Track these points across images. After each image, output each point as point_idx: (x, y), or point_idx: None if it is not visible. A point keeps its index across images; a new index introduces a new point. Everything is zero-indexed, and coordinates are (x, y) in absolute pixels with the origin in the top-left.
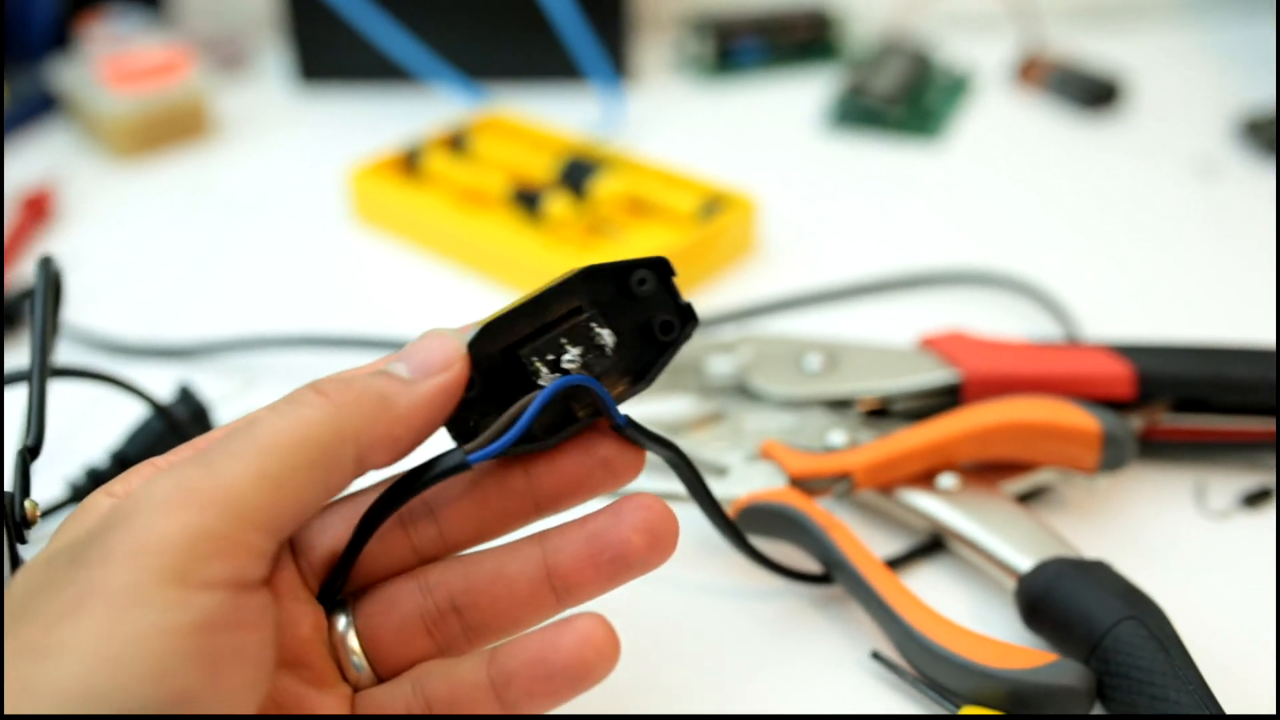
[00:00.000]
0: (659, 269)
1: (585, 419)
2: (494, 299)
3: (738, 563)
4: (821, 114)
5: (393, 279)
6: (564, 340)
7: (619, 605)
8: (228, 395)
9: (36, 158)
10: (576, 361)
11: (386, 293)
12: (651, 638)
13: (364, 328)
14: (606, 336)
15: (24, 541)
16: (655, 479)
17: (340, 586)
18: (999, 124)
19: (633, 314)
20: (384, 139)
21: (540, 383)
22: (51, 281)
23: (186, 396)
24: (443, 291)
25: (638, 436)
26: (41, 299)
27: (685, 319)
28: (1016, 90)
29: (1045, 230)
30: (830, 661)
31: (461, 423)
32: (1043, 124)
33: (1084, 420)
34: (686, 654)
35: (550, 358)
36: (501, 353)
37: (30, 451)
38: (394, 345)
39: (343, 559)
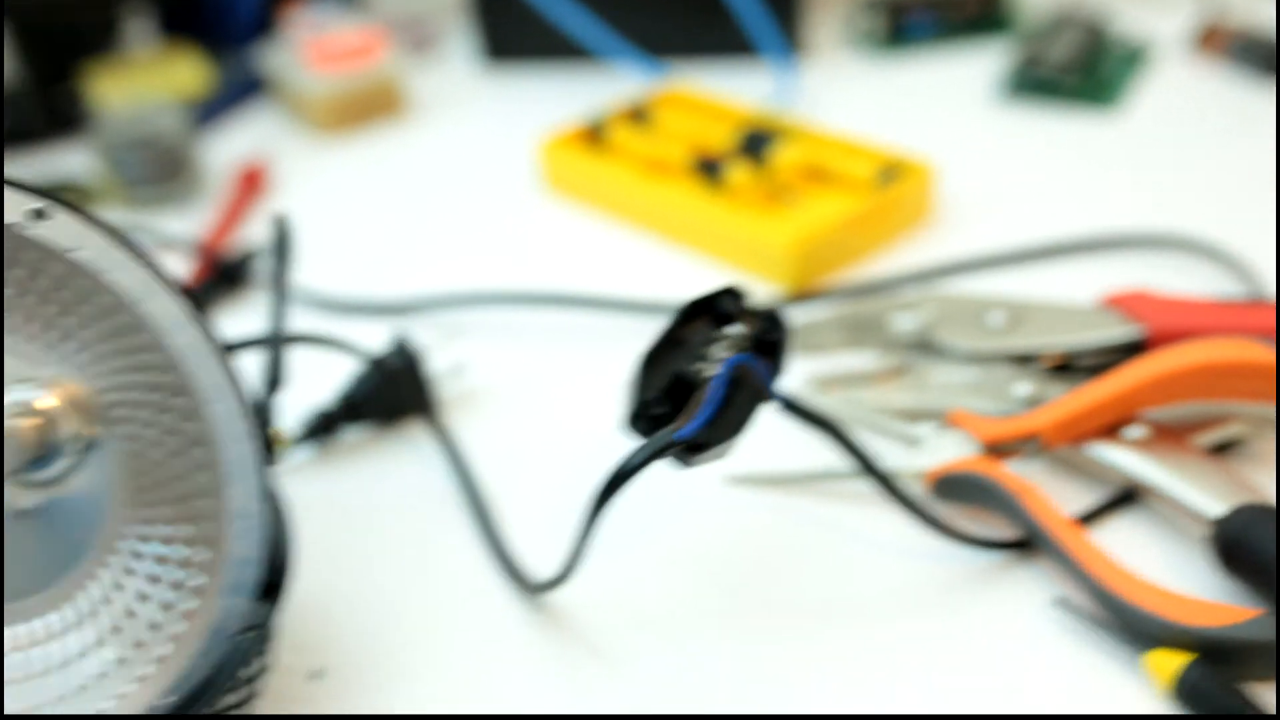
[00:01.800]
0: (736, 294)
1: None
2: (676, 261)
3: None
4: (994, 86)
5: (581, 242)
6: (706, 350)
7: (817, 567)
8: (435, 347)
9: (246, 135)
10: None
11: (576, 255)
12: (847, 590)
13: (557, 286)
14: (733, 344)
15: (273, 464)
16: (826, 455)
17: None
18: (1178, 92)
19: (741, 325)
20: (567, 114)
21: (707, 376)
22: (285, 236)
23: (400, 349)
24: (628, 254)
25: (799, 414)
26: (279, 250)
27: (774, 323)
28: (1196, 59)
29: (1227, 196)
30: (1015, 612)
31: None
32: (1224, 92)
33: (1269, 356)
34: (879, 606)
35: (706, 364)
36: (672, 376)
37: (271, 386)
38: (586, 303)
39: (579, 542)
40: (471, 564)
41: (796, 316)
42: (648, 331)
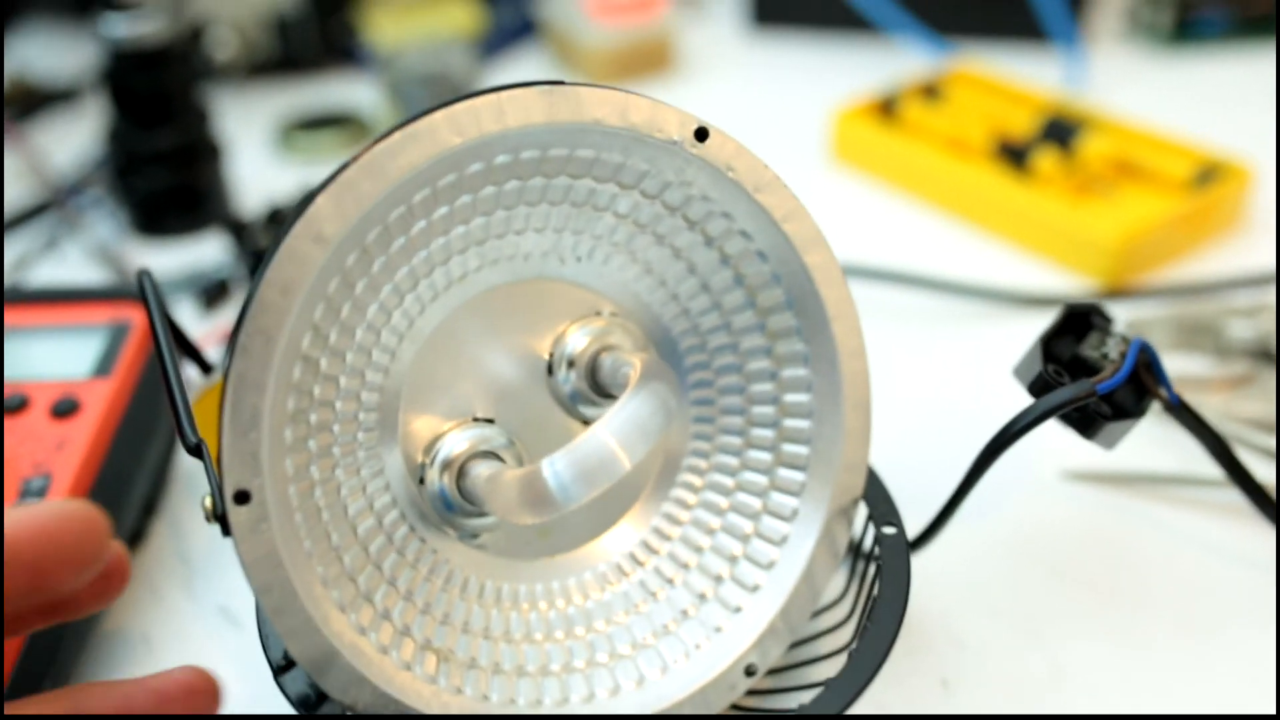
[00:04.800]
0: (1104, 314)
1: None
2: (976, 244)
3: None
4: None
5: (876, 217)
6: (1097, 339)
7: (1170, 574)
8: None
9: (515, 77)
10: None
11: (872, 229)
12: (1214, 612)
13: (864, 259)
14: (1123, 343)
15: None
16: (1195, 462)
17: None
18: None
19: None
20: (842, 85)
21: (1110, 360)
22: None
23: None
24: (924, 232)
25: (1185, 418)
26: None
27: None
28: None
29: None
30: None
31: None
32: None
33: None
34: (1249, 626)
35: (1100, 350)
36: (1072, 355)
37: None
38: (880, 275)
39: (949, 502)
40: None
41: (1119, 314)
42: (971, 314)
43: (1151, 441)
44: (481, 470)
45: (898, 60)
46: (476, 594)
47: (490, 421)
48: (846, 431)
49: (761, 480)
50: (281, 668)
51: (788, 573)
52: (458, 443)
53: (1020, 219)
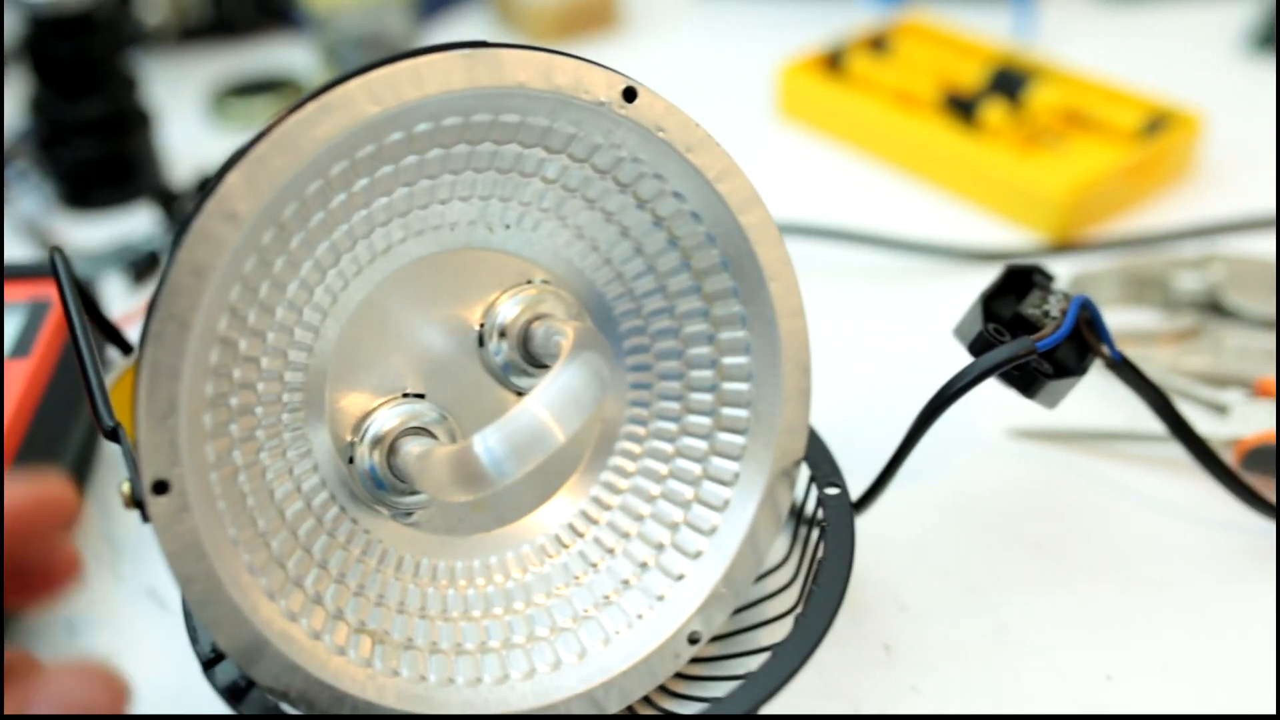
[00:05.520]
0: (1046, 273)
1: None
2: (924, 199)
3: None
4: (1242, 36)
5: (822, 173)
6: (1039, 302)
7: (1115, 531)
8: None
9: (454, 37)
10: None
11: (818, 185)
12: (1146, 555)
13: (805, 216)
14: (1064, 300)
15: None
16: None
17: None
18: None
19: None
20: (788, 40)
21: (1051, 317)
22: None
23: None
24: (872, 187)
25: (1127, 375)
26: None
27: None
28: None
29: None
30: None
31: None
32: None
33: None
34: (1182, 573)
35: (1042, 309)
36: (1013, 314)
37: None
38: (825, 233)
39: (890, 463)
40: None
41: (1067, 268)
42: (913, 270)
43: (1099, 397)
44: (412, 448)
45: (848, 15)
46: (411, 573)
47: (421, 396)
48: (786, 393)
49: (701, 445)
50: (210, 660)
51: (730, 537)
52: (388, 419)
53: (968, 173)
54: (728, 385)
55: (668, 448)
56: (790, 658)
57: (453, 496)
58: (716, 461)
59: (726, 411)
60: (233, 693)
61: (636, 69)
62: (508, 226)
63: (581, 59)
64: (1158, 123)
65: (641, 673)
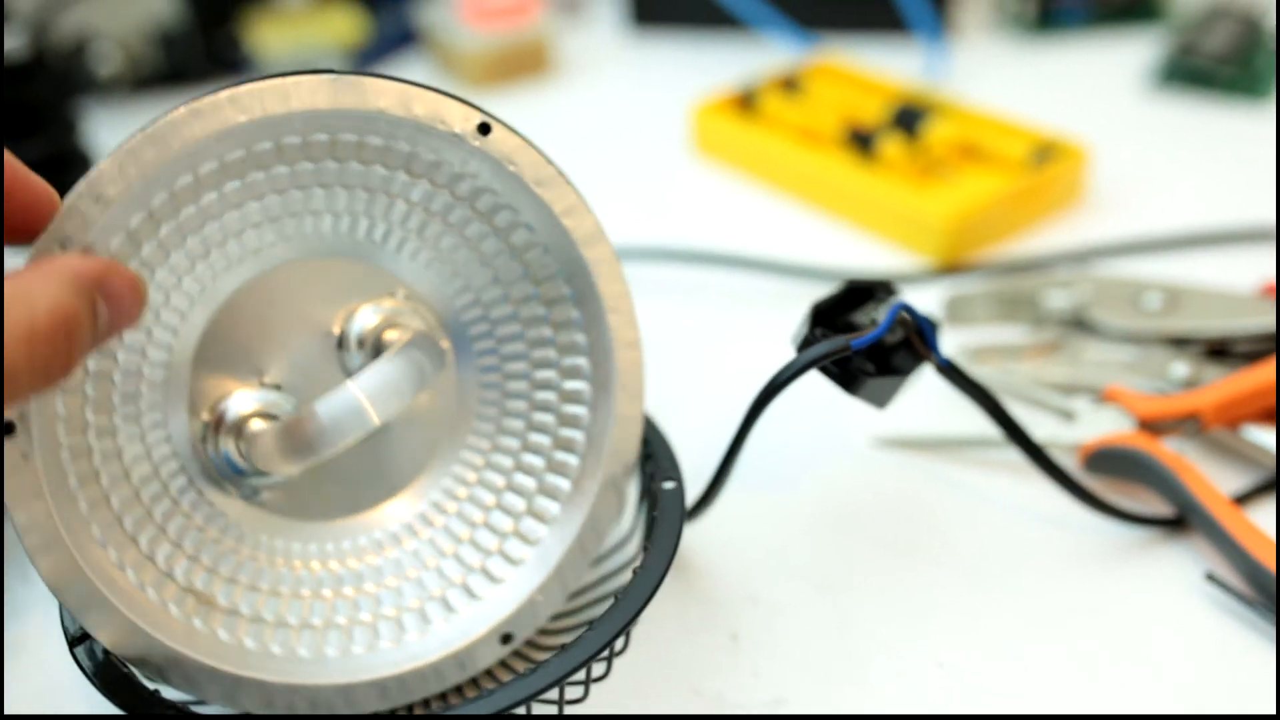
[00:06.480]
0: (890, 287)
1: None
2: (825, 229)
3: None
4: (1146, 74)
5: (729, 206)
6: (872, 308)
7: (965, 531)
8: None
9: None
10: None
11: (724, 218)
12: (996, 556)
13: (709, 245)
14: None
15: None
16: (978, 424)
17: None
18: None
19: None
20: (712, 81)
21: (875, 322)
22: None
23: None
24: (777, 219)
25: (956, 379)
26: None
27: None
28: None
29: None
30: (1166, 586)
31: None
32: None
33: None
34: (1027, 573)
35: (870, 316)
36: (838, 321)
37: None
38: (739, 263)
39: (730, 451)
40: None
41: (948, 289)
42: (802, 295)
43: (958, 408)
44: (257, 428)
45: (768, 56)
46: (251, 548)
47: (278, 388)
48: (618, 418)
49: (539, 462)
50: (77, 639)
51: (553, 548)
52: (243, 404)
53: (864, 203)
54: (567, 408)
55: (508, 462)
56: (602, 633)
57: (279, 466)
58: (550, 478)
59: (564, 432)
60: (73, 641)
61: (566, 110)
62: (375, 243)
63: (442, 92)
64: (1044, 153)
65: (451, 663)
